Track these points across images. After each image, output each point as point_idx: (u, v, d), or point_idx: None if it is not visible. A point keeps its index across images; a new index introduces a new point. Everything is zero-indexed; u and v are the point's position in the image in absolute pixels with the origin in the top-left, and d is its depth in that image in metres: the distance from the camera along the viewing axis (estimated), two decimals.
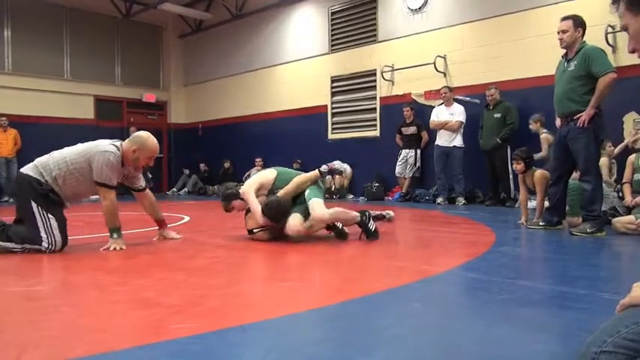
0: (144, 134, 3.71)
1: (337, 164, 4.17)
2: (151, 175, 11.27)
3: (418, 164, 8.47)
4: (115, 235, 3.58)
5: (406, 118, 8.57)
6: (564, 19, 4.22)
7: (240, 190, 3.98)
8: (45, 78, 11.29)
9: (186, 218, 6.12)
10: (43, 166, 3.55)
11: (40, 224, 3.46)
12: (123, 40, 12.70)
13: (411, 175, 8.49)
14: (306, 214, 3.78)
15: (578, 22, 4.14)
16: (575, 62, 4.09)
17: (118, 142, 3.66)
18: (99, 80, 12.23)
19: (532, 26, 7.46)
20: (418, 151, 8.48)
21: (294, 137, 10.61)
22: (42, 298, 2.34)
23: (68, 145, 3.82)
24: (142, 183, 3.97)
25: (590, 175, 4.07)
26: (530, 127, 6.83)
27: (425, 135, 8.42)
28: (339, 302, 2.18)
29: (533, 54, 7.39)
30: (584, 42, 4.14)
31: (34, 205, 3.47)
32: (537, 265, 3.20)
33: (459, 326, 1.85)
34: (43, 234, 3.45)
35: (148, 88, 13.12)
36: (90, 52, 12.11)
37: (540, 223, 4.51)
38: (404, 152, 8.56)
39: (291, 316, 1.97)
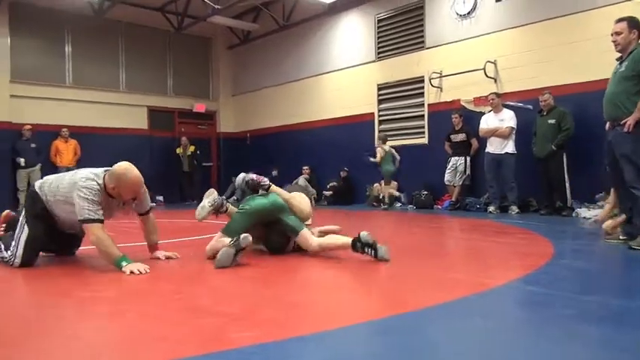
0: (120, 169, 3.29)
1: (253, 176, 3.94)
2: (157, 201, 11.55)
3: (468, 172, 8.30)
4: (123, 263, 3.13)
5: (455, 125, 8.42)
6: (619, 20, 4.03)
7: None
8: (102, 90, 11.80)
9: None
10: (40, 187, 3.45)
11: (16, 234, 3.38)
12: (174, 52, 13.13)
13: (460, 183, 8.32)
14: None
15: (634, 24, 3.94)
16: (626, 63, 3.89)
17: (101, 174, 3.32)
18: (152, 91, 12.69)
19: (586, 29, 7.19)
20: (468, 159, 8.31)
21: (340, 145, 10.63)
22: (107, 303, 2.43)
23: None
24: (145, 208, 3.63)
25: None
26: None
27: (474, 142, 8.25)
28: (394, 315, 2.15)
29: (589, 57, 7.12)
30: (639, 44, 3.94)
31: (22, 214, 3.47)
32: (601, 278, 3.05)
33: (522, 343, 1.79)
34: (12, 244, 3.35)
35: (198, 99, 13.48)
36: (144, 64, 12.59)
37: (621, 237, 4.09)
38: (453, 160, 8.41)
39: (348, 328, 1.96)
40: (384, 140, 9.07)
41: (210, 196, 3.92)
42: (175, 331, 1.93)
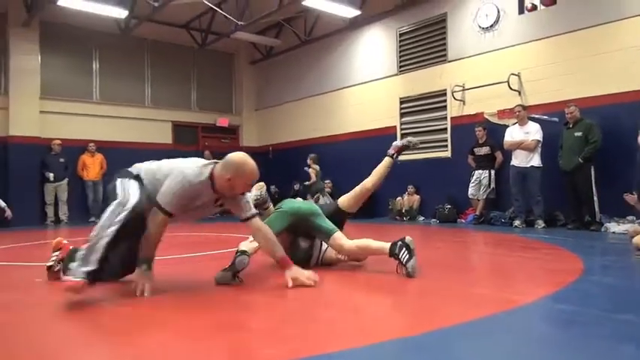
0: (238, 159, 3.00)
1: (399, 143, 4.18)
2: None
3: (492, 185, 8.19)
4: (144, 267, 2.94)
5: (479, 138, 8.35)
6: None
7: None
8: (128, 106, 12.05)
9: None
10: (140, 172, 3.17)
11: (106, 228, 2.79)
12: (198, 68, 13.35)
13: (484, 196, 8.22)
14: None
15: None
16: None
17: (210, 166, 3.02)
18: (176, 107, 12.90)
19: (613, 40, 7.10)
20: (492, 172, 8.21)
21: (362, 159, 10.52)
22: (133, 317, 2.45)
23: None
24: (247, 213, 3.14)
25: None
26: None
27: (499, 155, 8.15)
28: (421, 333, 2.12)
29: (616, 69, 7.01)
30: None
31: (118, 221, 2.98)
32: (634, 296, 2.96)
33: None
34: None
35: (222, 113, 13.66)
36: (168, 80, 12.83)
37: None
38: (477, 173, 8.32)
39: (376, 346, 1.94)
40: (314, 160, 10.62)
41: (259, 190, 3.90)
42: (203, 347, 1.93)
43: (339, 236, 3.60)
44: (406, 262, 3.24)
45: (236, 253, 3.26)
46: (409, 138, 4.23)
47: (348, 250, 3.59)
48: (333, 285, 3.34)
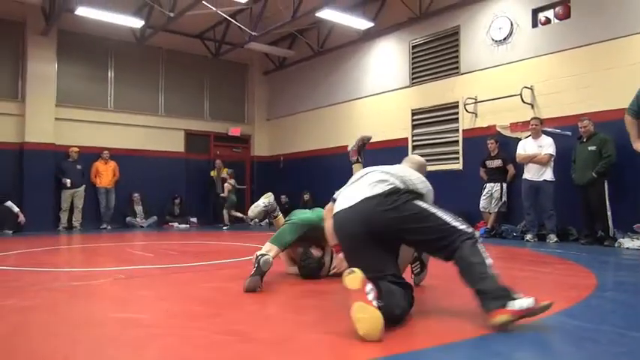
0: (420, 158, 3.32)
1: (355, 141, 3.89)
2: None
3: (504, 199, 8.14)
4: None
5: (491, 151, 8.31)
6: None
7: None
8: (142, 114, 12.20)
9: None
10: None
11: None
12: (212, 77, 13.48)
13: (496, 210, 8.17)
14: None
15: None
16: None
17: None
18: (189, 115, 13.02)
19: (627, 54, 7.06)
20: (504, 185, 8.16)
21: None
22: (145, 326, 2.46)
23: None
24: None
25: None
26: None
27: (511, 168, 8.11)
28: (430, 347, 2.11)
29: (630, 83, 6.94)
30: None
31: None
32: None
33: None
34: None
35: (234, 123, 13.75)
36: (182, 89, 12.96)
37: None
38: (488, 186, 8.27)
39: (392, 358, 1.93)
40: (230, 175, 11.83)
41: (267, 198, 4.01)
42: (214, 357, 1.94)
43: None
44: (417, 273, 3.26)
45: (256, 257, 3.29)
46: (359, 136, 3.95)
47: None
48: (341, 297, 3.31)
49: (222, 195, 11.90)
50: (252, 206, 4.00)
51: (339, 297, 3.27)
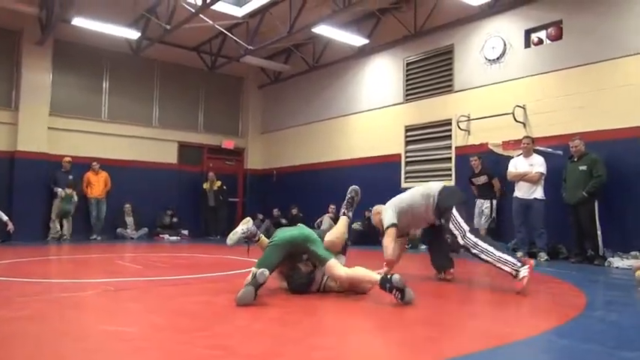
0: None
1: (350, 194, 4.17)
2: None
3: (493, 215, 8.15)
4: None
5: (474, 168, 8.36)
6: None
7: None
8: (135, 125, 12.18)
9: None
10: None
11: None
12: (206, 90, 13.52)
13: (486, 226, 8.18)
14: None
15: None
16: None
17: None
18: (183, 127, 13.02)
19: (618, 76, 7.16)
20: (494, 202, 8.18)
21: (367, 185, 10.41)
22: (130, 339, 2.44)
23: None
24: None
25: None
26: None
27: (496, 182, 8.13)
28: None
29: (622, 104, 7.06)
30: None
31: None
32: (638, 332, 2.92)
33: None
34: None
35: (228, 135, 13.77)
36: (177, 101, 12.98)
37: None
38: (478, 202, 8.28)
39: None
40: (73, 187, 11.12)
41: (245, 225, 3.98)
42: None
43: (332, 264, 3.60)
44: (401, 299, 3.29)
45: (253, 272, 3.31)
46: (351, 188, 4.23)
47: (339, 278, 3.61)
48: (331, 313, 3.32)
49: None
50: (231, 234, 3.95)
51: (329, 312, 3.26)
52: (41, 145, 10.64)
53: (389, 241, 4.35)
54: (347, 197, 4.16)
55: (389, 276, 3.35)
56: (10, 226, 8.56)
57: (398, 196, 4.73)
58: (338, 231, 3.91)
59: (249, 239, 3.95)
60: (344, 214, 4.09)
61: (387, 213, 4.48)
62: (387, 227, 4.38)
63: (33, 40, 10.55)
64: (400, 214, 4.46)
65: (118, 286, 4.20)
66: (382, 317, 3.13)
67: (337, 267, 3.60)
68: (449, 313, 3.31)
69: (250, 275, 3.33)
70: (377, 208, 4.77)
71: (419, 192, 4.59)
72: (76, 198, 10.57)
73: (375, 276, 3.49)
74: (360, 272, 3.60)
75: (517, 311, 3.51)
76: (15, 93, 10.71)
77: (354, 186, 4.22)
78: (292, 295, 3.67)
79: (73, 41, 11.11)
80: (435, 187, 4.56)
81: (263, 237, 4.02)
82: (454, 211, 4.22)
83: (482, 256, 4.04)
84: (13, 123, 10.50)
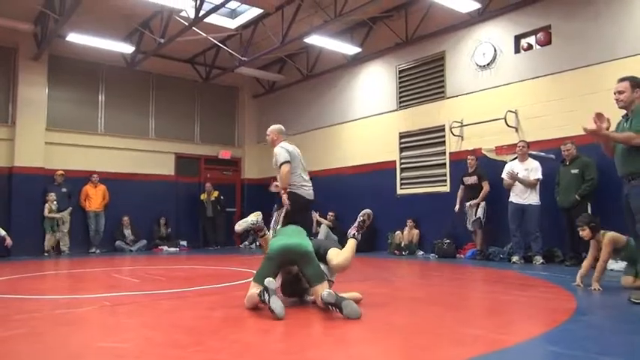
0: None
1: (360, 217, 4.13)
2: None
3: (479, 215, 8.19)
4: None
5: (469, 166, 8.43)
6: (621, 80, 4.21)
7: None
8: (132, 138, 12.24)
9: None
10: None
11: None
12: (202, 101, 13.61)
13: (472, 229, 8.25)
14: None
15: (636, 84, 4.10)
16: (633, 120, 4.03)
17: None
18: (180, 139, 13.09)
19: (606, 80, 7.19)
20: (483, 204, 8.22)
21: (363, 192, 10.68)
22: (125, 355, 2.48)
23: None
24: None
25: None
26: None
27: (485, 185, 8.18)
28: None
29: (612, 108, 7.09)
30: None
31: None
32: (625, 338, 2.97)
33: None
34: None
35: (224, 146, 13.84)
36: (172, 113, 13.05)
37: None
38: (467, 204, 8.36)
39: None
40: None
41: (256, 217, 4.11)
42: None
43: (317, 290, 3.49)
44: (342, 313, 3.27)
45: (260, 291, 3.40)
46: (363, 212, 4.18)
47: (319, 304, 3.51)
48: (326, 322, 3.35)
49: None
50: (241, 221, 4.13)
51: (321, 324, 3.30)
52: (38, 160, 10.69)
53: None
54: (358, 220, 4.08)
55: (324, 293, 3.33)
56: (8, 241, 8.58)
57: None
58: (348, 256, 3.83)
59: (255, 232, 4.08)
60: (353, 236, 3.99)
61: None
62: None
63: (29, 56, 10.63)
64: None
65: (114, 301, 4.24)
66: (372, 327, 3.16)
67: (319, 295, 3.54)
68: (440, 320, 3.35)
69: (260, 291, 3.38)
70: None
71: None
72: (64, 211, 10.52)
73: (356, 294, 3.68)
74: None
75: (509, 317, 3.56)
76: (12, 108, 10.77)
77: (367, 210, 4.15)
78: (289, 309, 3.70)
79: (68, 56, 11.20)
80: None
81: (269, 234, 4.09)
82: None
83: None
84: (10, 139, 10.55)
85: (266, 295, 3.31)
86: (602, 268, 4.64)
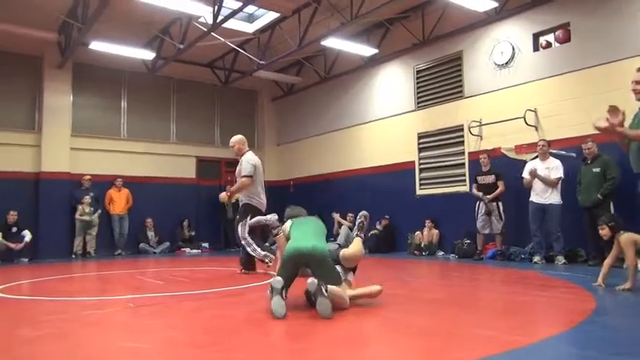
0: None
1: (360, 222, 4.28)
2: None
3: (494, 216, 8.10)
4: None
5: (483, 165, 8.34)
6: None
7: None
8: (154, 142, 12.48)
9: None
10: None
11: None
12: (222, 105, 13.78)
13: (485, 231, 8.17)
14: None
15: None
16: None
17: None
18: (201, 142, 13.29)
19: (628, 76, 7.09)
20: (499, 204, 8.13)
21: (382, 193, 10.70)
22: (147, 355, 2.58)
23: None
24: None
25: None
26: None
27: (501, 185, 8.11)
28: None
29: (633, 104, 6.99)
30: None
31: None
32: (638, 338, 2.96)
33: None
34: None
35: None
36: (193, 117, 13.26)
37: None
38: (481, 204, 8.28)
39: None
40: None
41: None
42: None
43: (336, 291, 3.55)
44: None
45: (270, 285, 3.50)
46: (361, 214, 4.31)
47: (344, 303, 3.64)
48: (341, 325, 3.39)
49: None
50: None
51: (339, 324, 3.35)
52: (64, 166, 10.99)
53: None
54: (357, 222, 4.27)
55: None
56: (20, 246, 8.90)
57: None
58: (358, 247, 4.03)
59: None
60: (357, 235, 4.17)
61: None
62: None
63: (53, 65, 10.93)
64: None
65: (138, 302, 4.36)
66: (386, 327, 3.20)
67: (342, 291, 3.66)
68: (457, 321, 3.37)
69: (269, 288, 3.47)
70: None
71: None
72: (93, 214, 10.80)
73: (375, 287, 3.79)
74: (359, 290, 3.82)
75: (525, 318, 3.56)
76: (38, 115, 11.10)
77: (363, 212, 4.31)
78: (304, 307, 3.77)
79: (92, 63, 11.47)
80: None
81: (282, 234, 4.15)
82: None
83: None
84: (36, 145, 10.87)
85: (271, 293, 3.41)
86: (634, 270, 4.51)
